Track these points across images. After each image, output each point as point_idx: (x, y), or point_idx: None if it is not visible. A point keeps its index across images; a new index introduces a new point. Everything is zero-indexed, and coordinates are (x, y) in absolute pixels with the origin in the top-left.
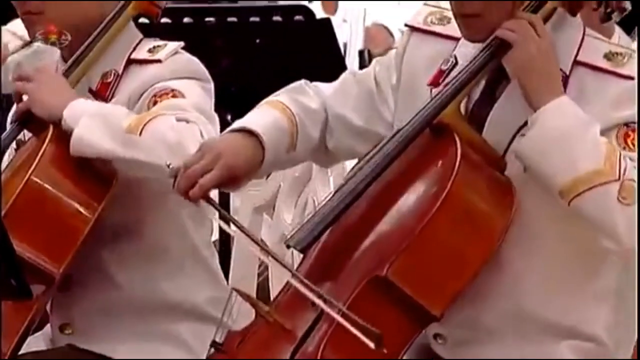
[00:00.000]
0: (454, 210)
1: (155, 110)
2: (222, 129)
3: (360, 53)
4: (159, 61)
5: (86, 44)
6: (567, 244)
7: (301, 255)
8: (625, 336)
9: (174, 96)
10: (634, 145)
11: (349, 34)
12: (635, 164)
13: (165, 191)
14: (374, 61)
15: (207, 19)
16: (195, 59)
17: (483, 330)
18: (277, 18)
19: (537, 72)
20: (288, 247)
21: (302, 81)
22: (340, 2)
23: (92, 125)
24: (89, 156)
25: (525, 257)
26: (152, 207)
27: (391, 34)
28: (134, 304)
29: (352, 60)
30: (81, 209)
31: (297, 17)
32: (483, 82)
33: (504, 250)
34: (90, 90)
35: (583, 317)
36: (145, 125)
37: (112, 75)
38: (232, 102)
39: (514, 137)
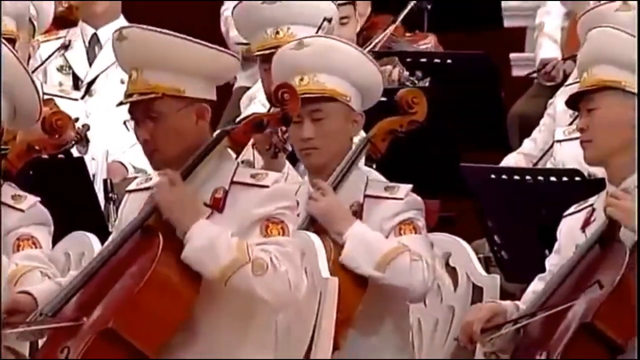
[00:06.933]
0: (156, 282)
1: (22, 267)
2: None
3: (105, 182)
4: (22, 210)
5: None
6: (239, 303)
7: None
8: None
9: (33, 243)
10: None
11: (96, 167)
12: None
13: None
14: None
15: None
16: (45, 210)
17: None
18: (44, 156)
19: (176, 211)
20: (40, 314)
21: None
22: (90, 146)
23: None
24: None
25: (215, 315)
26: None
27: (126, 168)
28: None
29: (99, 187)
30: None
31: (60, 156)
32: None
33: (200, 312)
34: None
35: (248, 348)
36: (19, 279)
37: None
38: None
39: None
